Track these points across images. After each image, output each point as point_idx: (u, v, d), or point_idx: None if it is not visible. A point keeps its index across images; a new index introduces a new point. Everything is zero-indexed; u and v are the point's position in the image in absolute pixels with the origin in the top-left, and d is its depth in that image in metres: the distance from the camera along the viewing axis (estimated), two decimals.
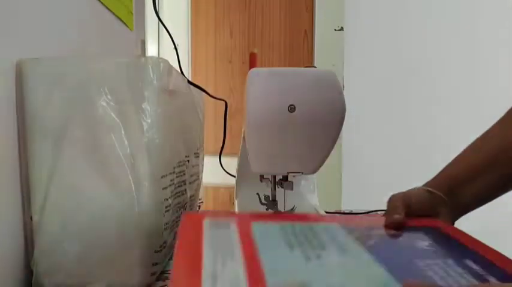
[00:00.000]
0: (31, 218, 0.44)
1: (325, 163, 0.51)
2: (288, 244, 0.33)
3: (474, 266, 0.31)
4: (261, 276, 0.27)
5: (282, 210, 0.58)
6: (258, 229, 0.36)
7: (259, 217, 0.42)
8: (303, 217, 0.41)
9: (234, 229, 0.35)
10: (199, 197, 0.75)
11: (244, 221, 0.38)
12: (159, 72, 0.45)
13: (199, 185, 0.72)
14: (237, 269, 0.28)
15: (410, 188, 0.46)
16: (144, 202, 0.44)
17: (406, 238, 0.37)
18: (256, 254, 0.31)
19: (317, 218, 0.41)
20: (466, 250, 0.34)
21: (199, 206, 0.77)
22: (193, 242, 0.32)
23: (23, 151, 0.45)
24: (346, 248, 0.33)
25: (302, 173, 0.52)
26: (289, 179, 0.55)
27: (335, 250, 0.33)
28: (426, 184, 0.46)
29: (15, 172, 0.44)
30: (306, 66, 0.49)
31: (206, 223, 0.36)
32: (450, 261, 0.32)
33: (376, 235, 0.37)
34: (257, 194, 0.58)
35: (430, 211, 0.43)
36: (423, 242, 0.36)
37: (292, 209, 0.58)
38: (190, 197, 0.62)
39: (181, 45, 1.66)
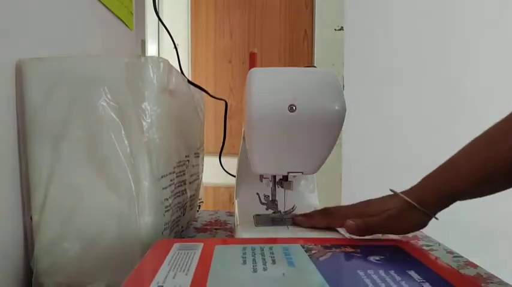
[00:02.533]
0: (31, 218, 0.44)
1: (325, 163, 0.50)
2: (241, 261, 0.35)
3: (415, 275, 0.32)
4: (203, 284, 0.30)
5: (282, 210, 0.58)
6: (219, 249, 0.38)
7: (228, 241, 0.44)
8: (271, 241, 0.42)
9: (198, 250, 0.38)
10: (199, 197, 0.75)
11: (211, 243, 0.40)
12: (159, 72, 0.45)
13: (199, 185, 0.72)
14: (184, 279, 0.30)
15: (409, 188, 0.46)
16: (144, 202, 0.44)
17: (361, 254, 0.38)
18: (208, 268, 0.33)
19: (285, 240, 0.41)
20: (415, 263, 0.35)
21: (199, 206, 0.77)
22: (156, 259, 0.35)
23: (22, 150, 0.45)
24: (296, 262, 0.34)
25: (302, 173, 0.52)
26: (289, 179, 0.55)
27: (285, 264, 0.34)
28: (412, 192, 0.45)
29: (15, 172, 0.44)
30: (306, 66, 0.49)
31: (175, 245, 0.39)
32: (392, 271, 0.32)
33: (333, 251, 0.38)
34: (257, 194, 0.58)
35: (405, 227, 0.45)
36: (374, 257, 0.37)
37: (292, 209, 0.58)
38: (190, 197, 0.62)
39: (181, 45, 1.66)
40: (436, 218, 0.44)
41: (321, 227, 0.49)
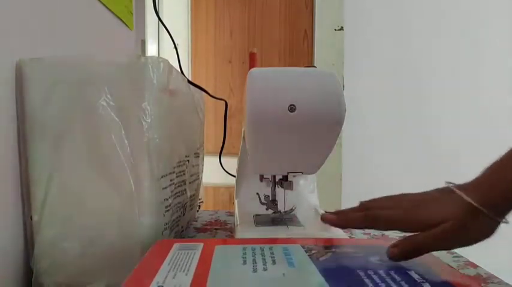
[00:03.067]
0: (31, 218, 0.44)
1: (325, 163, 0.50)
2: (242, 261, 0.35)
3: (414, 275, 0.32)
4: (203, 284, 0.30)
5: (282, 210, 0.58)
6: (220, 249, 0.38)
7: (228, 241, 0.44)
8: (271, 241, 0.41)
9: (198, 250, 0.38)
10: (199, 197, 0.75)
11: (211, 243, 0.40)
12: (159, 72, 0.45)
13: (199, 185, 0.72)
14: (184, 279, 0.30)
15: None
16: (144, 202, 0.44)
17: (361, 254, 0.38)
18: (208, 268, 0.33)
19: (285, 241, 0.41)
20: (415, 263, 0.35)
21: (199, 206, 0.77)
22: (156, 259, 0.35)
23: (23, 151, 0.45)
24: (296, 263, 0.34)
25: (302, 173, 0.52)
26: (289, 179, 0.55)
27: (285, 264, 0.34)
28: (474, 191, 0.34)
29: (15, 172, 0.44)
30: (306, 66, 0.49)
31: (175, 245, 0.39)
32: (392, 271, 0.32)
33: (333, 251, 0.38)
34: (257, 194, 0.58)
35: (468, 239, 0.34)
36: (375, 257, 0.36)
37: (292, 209, 0.58)
38: (190, 197, 0.62)
39: (181, 45, 1.66)
40: (506, 222, 0.33)
41: (357, 228, 0.39)
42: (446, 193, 0.36)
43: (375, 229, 0.38)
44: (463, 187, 0.35)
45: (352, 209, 0.41)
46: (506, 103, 1.51)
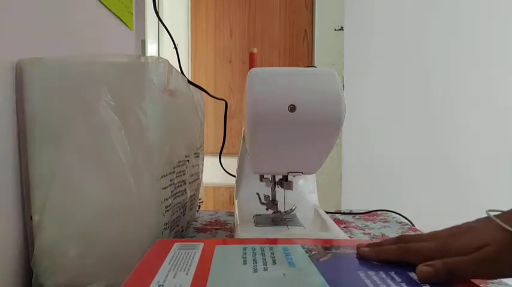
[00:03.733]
0: (31, 218, 0.44)
1: (325, 162, 0.50)
2: (242, 261, 0.35)
3: (415, 276, 0.32)
4: (203, 284, 0.30)
5: (282, 210, 0.58)
6: (220, 249, 0.38)
7: (227, 241, 0.44)
8: (271, 241, 0.41)
9: (199, 250, 0.38)
10: (199, 197, 0.75)
11: (211, 243, 0.40)
12: (159, 72, 0.45)
13: (199, 185, 0.72)
14: (184, 279, 0.30)
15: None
16: (144, 201, 0.44)
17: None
18: (209, 268, 0.33)
19: (285, 241, 0.41)
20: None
21: (199, 206, 0.77)
22: (156, 259, 0.35)
23: (23, 151, 0.45)
24: (297, 263, 0.34)
25: (302, 173, 0.52)
26: (289, 179, 0.55)
27: (285, 264, 0.34)
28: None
29: (15, 172, 0.44)
30: (306, 66, 0.49)
31: (175, 245, 0.39)
32: (392, 272, 0.32)
33: (334, 252, 0.38)
34: (257, 194, 0.58)
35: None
36: None
37: (292, 209, 0.58)
38: (190, 197, 0.62)
39: (181, 45, 1.66)
40: None
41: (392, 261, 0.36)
42: (482, 221, 0.34)
43: (408, 261, 0.34)
44: (501, 215, 0.33)
45: (388, 241, 0.38)
46: (508, 103, 1.51)
